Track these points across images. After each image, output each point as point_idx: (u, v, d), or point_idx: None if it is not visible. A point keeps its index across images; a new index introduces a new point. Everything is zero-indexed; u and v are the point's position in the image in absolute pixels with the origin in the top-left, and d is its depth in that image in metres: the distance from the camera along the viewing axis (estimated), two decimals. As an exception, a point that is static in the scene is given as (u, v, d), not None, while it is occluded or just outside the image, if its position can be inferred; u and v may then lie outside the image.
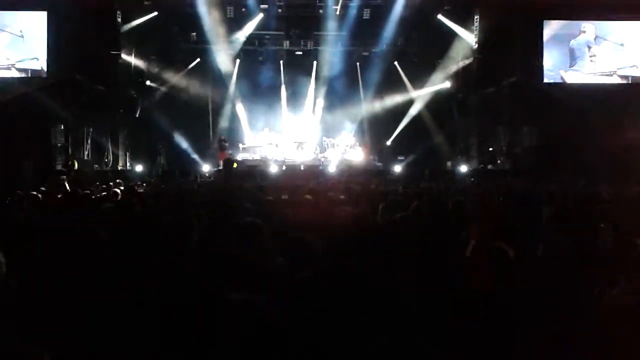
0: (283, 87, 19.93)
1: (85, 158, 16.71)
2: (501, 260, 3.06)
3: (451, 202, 4.84)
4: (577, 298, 2.89)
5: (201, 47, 18.91)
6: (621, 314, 2.67)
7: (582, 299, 2.92)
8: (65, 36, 16.03)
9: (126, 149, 18.09)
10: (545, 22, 17.52)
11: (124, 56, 17.51)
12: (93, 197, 7.89)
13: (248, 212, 4.82)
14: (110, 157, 17.49)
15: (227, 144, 18.42)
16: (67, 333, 2.44)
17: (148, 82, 18.62)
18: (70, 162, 15.71)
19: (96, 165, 16.89)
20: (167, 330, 2.20)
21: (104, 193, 8.67)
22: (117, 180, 11.75)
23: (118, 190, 8.44)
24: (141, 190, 9.84)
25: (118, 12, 17.30)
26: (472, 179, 15.48)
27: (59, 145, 15.95)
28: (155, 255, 3.31)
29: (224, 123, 19.50)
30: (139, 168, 17.24)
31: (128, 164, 17.89)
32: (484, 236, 3.52)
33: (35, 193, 7.76)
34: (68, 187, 10.11)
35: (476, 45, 17.75)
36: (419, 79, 19.09)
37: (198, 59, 19.07)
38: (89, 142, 16.91)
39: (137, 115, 18.01)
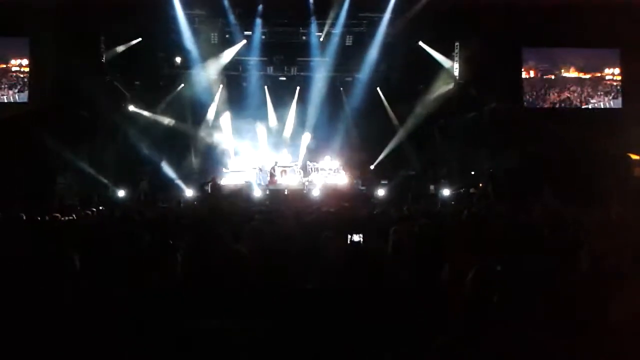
0: (267, 112, 20.05)
1: (69, 183, 16.57)
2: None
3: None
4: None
5: (185, 72, 19.01)
6: None
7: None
8: (49, 62, 16.02)
9: (110, 174, 17.95)
10: (523, 49, 17.98)
11: (108, 81, 17.52)
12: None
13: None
14: (94, 183, 17.34)
15: (275, 172, 18.45)
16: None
17: (132, 108, 18.64)
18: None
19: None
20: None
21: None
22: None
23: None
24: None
25: (102, 38, 17.40)
26: (453, 203, 15.62)
27: (42, 171, 15.82)
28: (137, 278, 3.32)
29: (207, 148, 19.51)
30: (121, 193, 17.15)
31: (111, 189, 17.76)
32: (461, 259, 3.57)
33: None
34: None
35: (457, 71, 18.19)
36: (401, 104, 19.29)
37: (182, 84, 19.14)
38: (73, 167, 16.78)
39: (120, 141, 17.94)
